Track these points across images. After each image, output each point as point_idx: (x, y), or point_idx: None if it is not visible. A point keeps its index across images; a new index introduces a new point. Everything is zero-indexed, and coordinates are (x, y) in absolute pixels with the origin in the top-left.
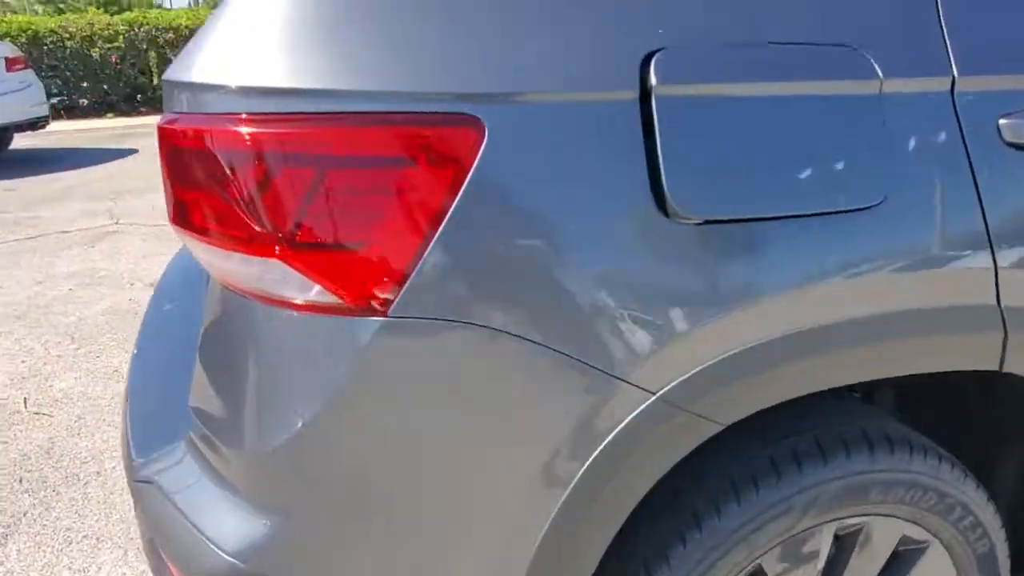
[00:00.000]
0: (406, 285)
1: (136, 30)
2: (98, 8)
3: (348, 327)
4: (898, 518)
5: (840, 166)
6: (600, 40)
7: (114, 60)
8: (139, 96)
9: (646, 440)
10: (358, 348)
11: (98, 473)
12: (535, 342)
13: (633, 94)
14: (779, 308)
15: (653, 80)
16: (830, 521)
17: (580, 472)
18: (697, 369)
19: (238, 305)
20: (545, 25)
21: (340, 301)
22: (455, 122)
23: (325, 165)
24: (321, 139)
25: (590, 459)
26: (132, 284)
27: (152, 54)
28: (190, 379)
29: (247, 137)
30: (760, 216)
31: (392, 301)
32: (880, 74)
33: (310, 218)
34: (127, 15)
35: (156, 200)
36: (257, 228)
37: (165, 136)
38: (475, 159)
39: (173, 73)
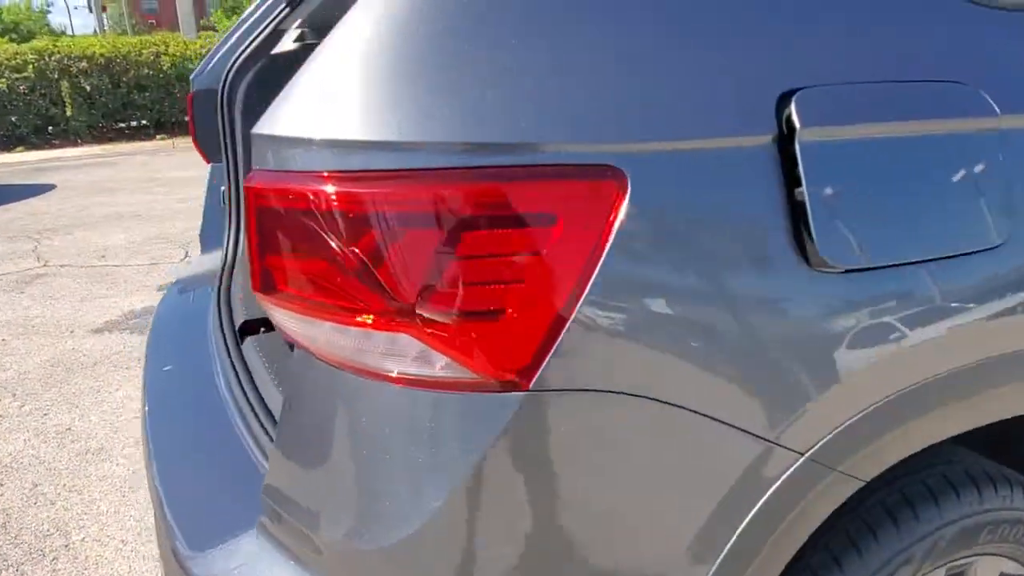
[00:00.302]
0: (549, 355)
1: (47, 59)
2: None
3: (483, 404)
4: (999, 555)
5: (972, 206)
6: (732, 83)
7: (23, 90)
8: (51, 128)
9: (796, 504)
10: (496, 427)
11: (66, 547)
12: (682, 407)
13: (769, 137)
14: (919, 353)
15: (797, 122)
16: (942, 566)
17: (729, 543)
18: (844, 425)
19: (341, 382)
20: (676, 70)
21: (474, 376)
22: (597, 175)
23: (458, 226)
24: (453, 197)
25: (740, 528)
26: (72, 332)
27: (65, 84)
28: (233, 453)
29: (367, 197)
30: (899, 262)
31: (534, 374)
32: (997, 111)
33: (441, 285)
34: (36, 43)
35: (85, 238)
36: (377, 298)
37: (258, 196)
38: (619, 214)
39: (266, 127)
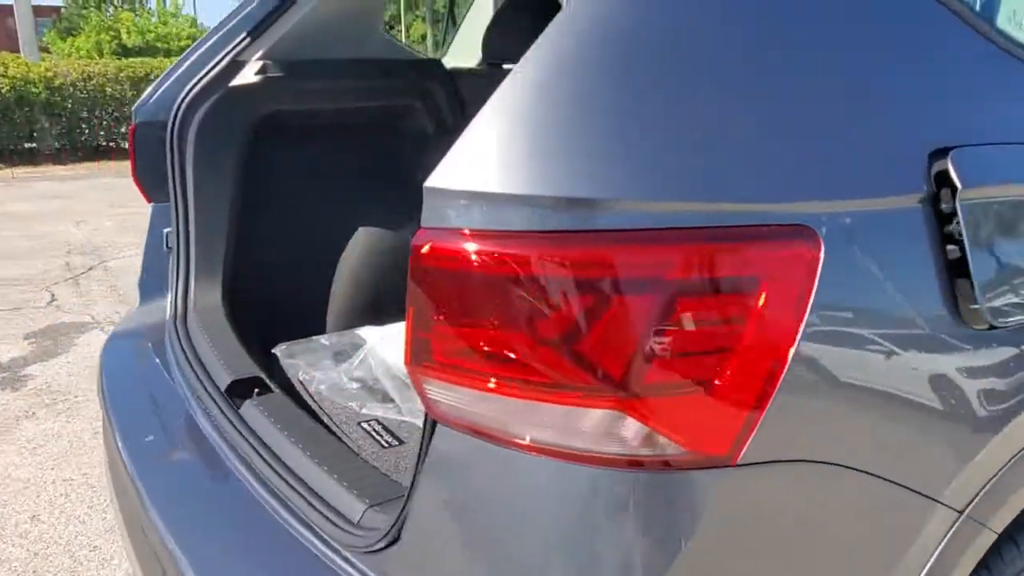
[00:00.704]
0: (757, 426)
1: None
2: None
3: (689, 483)
4: None
5: None
6: (892, 142)
7: None
8: None
9: (956, 563)
10: (703, 507)
11: None
12: (872, 474)
13: (923, 195)
14: None
15: (957, 181)
16: None
17: None
18: (994, 479)
19: (506, 461)
20: (848, 128)
21: (682, 452)
22: (795, 235)
23: (668, 292)
24: (664, 261)
25: None
26: None
27: None
28: (264, 525)
29: (571, 261)
30: None
31: (743, 446)
32: None
33: (650, 355)
34: None
35: None
36: (575, 371)
37: (432, 258)
38: (816, 276)
39: (445, 180)
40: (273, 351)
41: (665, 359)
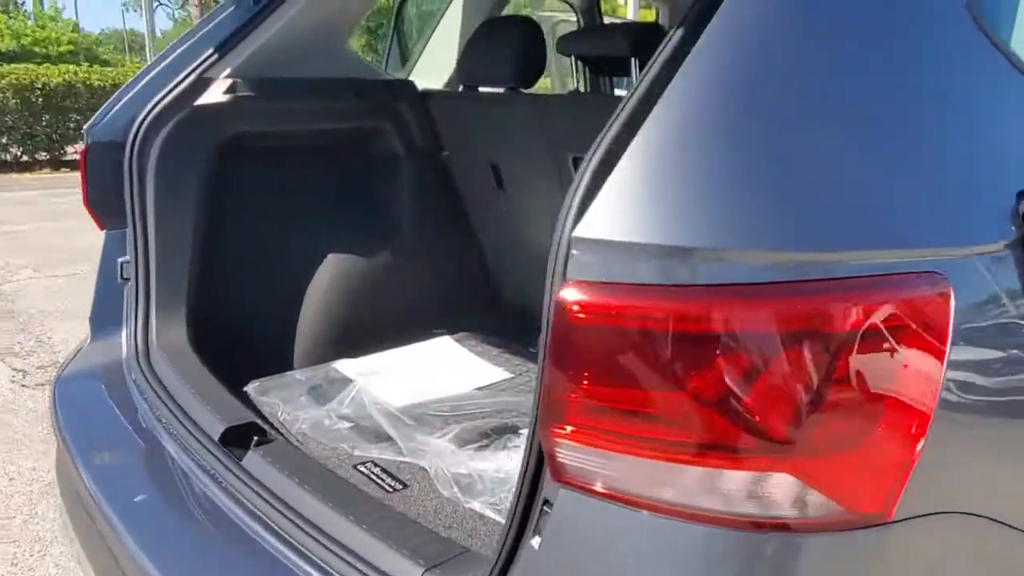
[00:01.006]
0: (908, 479)
1: None
2: None
3: (849, 544)
4: None
5: None
6: (987, 187)
7: None
8: None
9: None
10: (865, 569)
11: None
12: (1000, 522)
13: (1014, 238)
14: None
15: None
16: None
17: None
18: None
19: (646, 526)
20: (954, 173)
21: (841, 512)
22: (931, 282)
23: (828, 345)
24: (823, 312)
25: None
26: None
27: None
28: None
29: (740, 315)
30: None
31: (895, 501)
32: None
33: (815, 413)
34: None
35: None
36: (734, 431)
37: (578, 314)
38: (950, 323)
39: (597, 229)
40: (245, 389)
41: (826, 416)
